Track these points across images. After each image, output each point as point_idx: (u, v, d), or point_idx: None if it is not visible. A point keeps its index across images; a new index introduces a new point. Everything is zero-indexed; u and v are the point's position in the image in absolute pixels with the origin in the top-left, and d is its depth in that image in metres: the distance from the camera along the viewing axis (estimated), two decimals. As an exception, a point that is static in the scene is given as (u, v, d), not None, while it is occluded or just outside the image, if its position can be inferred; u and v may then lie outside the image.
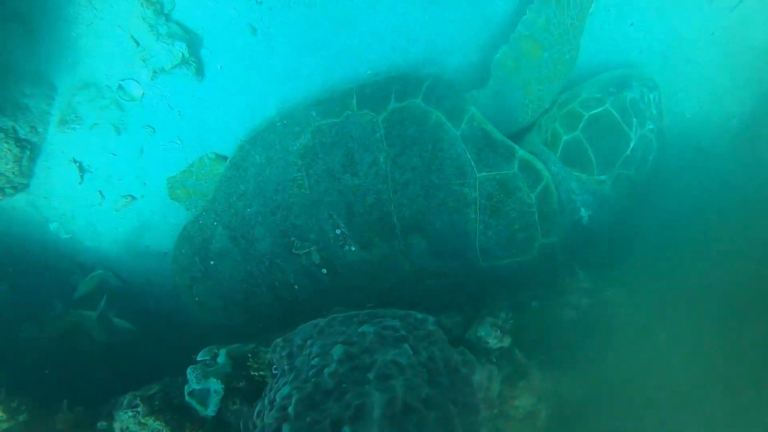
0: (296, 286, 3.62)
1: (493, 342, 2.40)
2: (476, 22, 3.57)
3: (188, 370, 2.65)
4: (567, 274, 2.73)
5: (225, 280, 3.79)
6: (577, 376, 2.44)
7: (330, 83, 3.76)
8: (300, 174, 3.43)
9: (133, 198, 4.24)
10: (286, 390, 2.06)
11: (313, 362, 2.17)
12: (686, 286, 2.73)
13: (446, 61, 3.73)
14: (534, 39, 3.30)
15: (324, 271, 3.51)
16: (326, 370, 2.05)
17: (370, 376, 1.99)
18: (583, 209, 3.37)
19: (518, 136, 3.63)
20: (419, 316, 2.46)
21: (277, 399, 2.02)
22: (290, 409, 1.91)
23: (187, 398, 2.80)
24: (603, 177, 3.28)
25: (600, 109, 3.25)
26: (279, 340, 2.61)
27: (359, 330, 2.29)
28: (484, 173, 3.14)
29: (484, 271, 3.25)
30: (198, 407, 2.78)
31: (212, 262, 3.87)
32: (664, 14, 3.66)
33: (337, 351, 2.13)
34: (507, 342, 2.43)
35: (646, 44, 3.75)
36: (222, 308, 3.91)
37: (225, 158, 3.99)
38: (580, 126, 3.26)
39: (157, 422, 2.81)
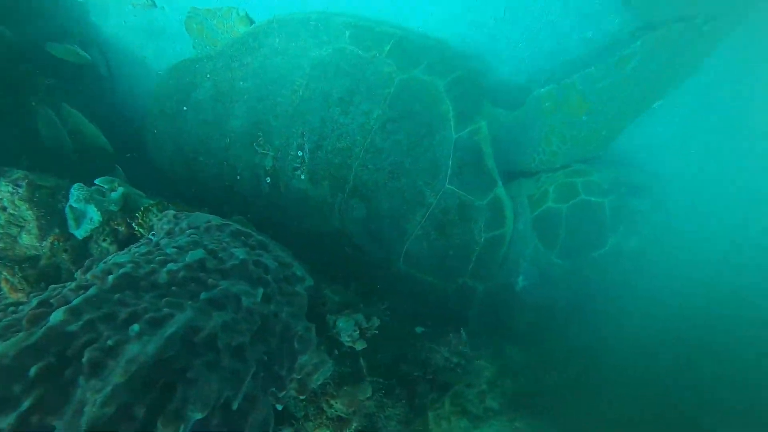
0: (239, 177, 3.52)
1: (345, 338, 2.32)
2: (545, 45, 3.29)
3: (73, 186, 2.56)
4: (455, 327, 2.63)
5: (186, 131, 3.66)
6: (399, 413, 2.38)
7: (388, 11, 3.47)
8: (301, 81, 3.25)
9: (154, 5, 4.04)
10: (124, 258, 1.98)
11: (168, 250, 2.08)
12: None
13: (497, 68, 3.47)
14: (584, 97, 3.06)
15: (268, 180, 3.40)
16: (169, 265, 1.96)
17: (203, 296, 1.90)
18: (522, 277, 3.24)
19: (513, 175, 3.44)
20: (299, 273, 2.36)
21: (110, 261, 1.94)
22: (111, 277, 1.83)
23: (66, 209, 2.73)
24: (559, 261, 3.13)
25: (596, 200, 3.06)
26: (171, 212, 2.52)
27: (233, 250, 2.19)
28: (453, 187, 2.97)
29: (398, 272, 3.15)
30: (71, 222, 2.72)
31: (185, 108, 3.74)
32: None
33: (194, 255, 2.04)
34: (359, 346, 2.35)
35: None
36: (170, 154, 3.80)
37: (251, 23, 3.78)
38: (570, 203, 3.08)
39: (29, 212, 2.75)
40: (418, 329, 2.86)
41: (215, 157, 3.56)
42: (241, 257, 2.11)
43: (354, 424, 2.44)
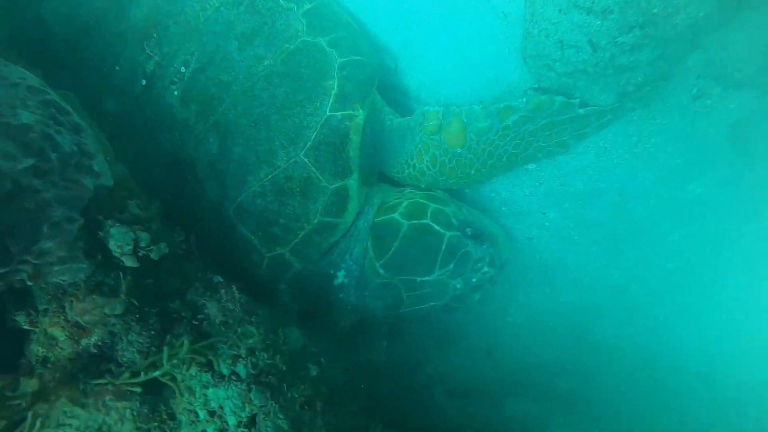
0: (117, 67, 3.34)
1: (113, 247, 2.22)
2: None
3: None
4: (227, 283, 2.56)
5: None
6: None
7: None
8: (215, 2, 3.13)
9: None
10: None
11: None
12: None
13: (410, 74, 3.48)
14: (464, 130, 3.12)
15: (143, 82, 3.24)
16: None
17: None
18: (343, 273, 3.24)
19: (386, 179, 3.47)
20: (98, 168, 2.25)
21: None
22: None
23: None
24: (382, 272, 3.16)
25: (438, 229, 3.12)
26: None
27: (22, 111, 2.06)
28: (306, 159, 2.94)
29: (228, 222, 3.08)
30: None
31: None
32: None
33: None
34: (128, 262, 2.26)
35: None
36: (63, 18, 3.54)
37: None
38: (411, 223, 3.12)
39: None
40: (216, 278, 2.78)
41: (104, 39, 3.37)
42: (24, 121, 1.98)
43: (93, 337, 2.33)
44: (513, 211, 3.54)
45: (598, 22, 2.40)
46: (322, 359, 2.85)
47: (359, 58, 3.07)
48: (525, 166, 3.36)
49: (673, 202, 3.36)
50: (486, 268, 3.22)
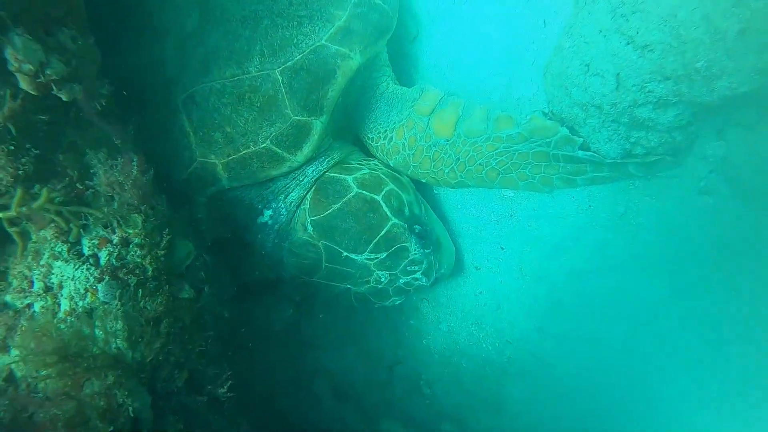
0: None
1: (11, 57, 1.87)
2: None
3: None
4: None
5: None
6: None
7: None
8: None
9: None
10: None
11: None
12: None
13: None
14: (455, 124, 2.85)
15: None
16: None
17: None
18: (270, 213, 2.93)
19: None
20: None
21: None
22: None
23: None
24: (310, 228, 2.84)
25: (385, 210, 2.82)
26: None
27: None
28: (280, 77, 2.63)
29: (171, 105, 2.75)
30: None
31: None
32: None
33: None
34: (26, 85, 1.91)
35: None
36: None
37: None
38: (360, 192, 2.83)
39: None
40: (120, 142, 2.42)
41: None
42: None
43: None
44: (471, 233, 3.24)
45: (634, 57, 2.13)
46: (205, 287, 2.52)
47: (381, 2, 2.77)
48: (501, 191, 3.07)
49: (630, 296, 3.07)
50: (419, 275, 2.92)
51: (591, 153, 2.60)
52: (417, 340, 3.66)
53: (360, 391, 3.71)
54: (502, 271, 3.27)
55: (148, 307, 2.11)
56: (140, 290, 2.11)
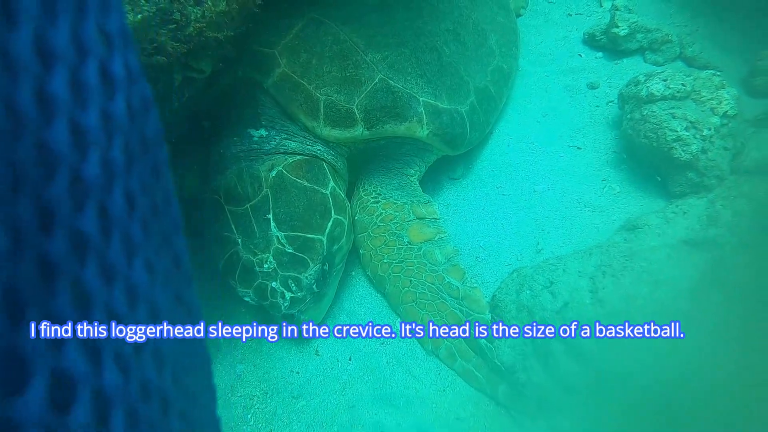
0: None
1: None
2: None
3: None
4: None
5: None
6: None
7: None
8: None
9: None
10: None
11: None
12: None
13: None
14: (436, 252, 3.11)
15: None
16: None
17: None
18: (263, 134, 2.99)
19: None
20: None
21: None
22: None
23: None
24: (270, 176, 2.88)
25: (326, 215, 2.90)
26: None
27: None
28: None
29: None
30: None
31: None
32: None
33: None
34: None
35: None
36: None
37: None
38: (324, 194, 2.95)
39: None
40: None
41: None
42: None
43: None
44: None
45: (587, 301, 2.48)
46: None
47: (471, 131, 3.29)
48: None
49: None
50: (288, 295, 2.80)
51: (489, 346, 2.77)
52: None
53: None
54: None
55: None
56: None
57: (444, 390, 2.90)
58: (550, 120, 3.83)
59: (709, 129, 2.92)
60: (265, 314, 3.24)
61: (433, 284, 3.00)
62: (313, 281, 2.82)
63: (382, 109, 3.00)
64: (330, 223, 2.90)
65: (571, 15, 4.53)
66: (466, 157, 3.67)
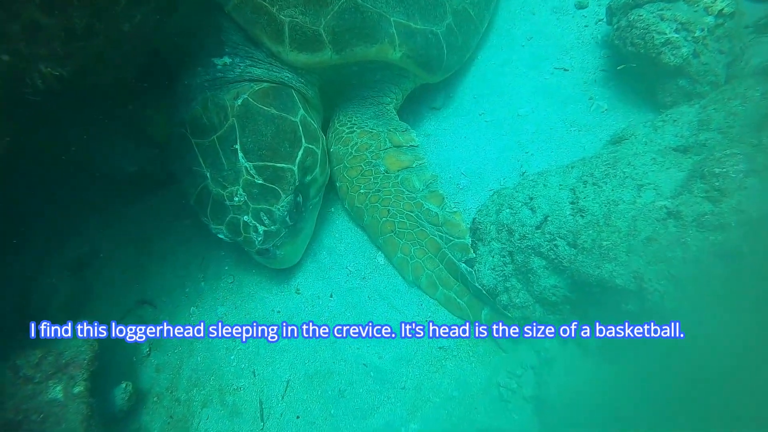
0: None
1: None
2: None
3: None
4: None
5: None
6: None
7: None
8: None
9: None
10: None
11: None
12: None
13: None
14: (412, 178, 2.99)
15: None
16: None
17: None
18: (227, 61, 2.83)
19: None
20: None
21: None
22: None
23: None
24: (235, 104, 2.74)
25: (305, 150, 2.79)
26: None
27: None
28: None
29: None
30: None
31: None
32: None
33: None
34: None
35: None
36: None
37: None
38: (293, 122, 2.80)
39: None
40: None
41: None
42: None
43: None
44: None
45: (567, 213, 2.34)
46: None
47: (450, 53, 3.12)
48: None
49: None
50: (260, 229, 2.69)
51: (470, 270, 2.65)
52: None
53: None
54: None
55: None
56: None
57: (426, 320, 2.81)
58: (536, 43, 3.62)
59: (702, 30, 2.71)
60: (243, 255, 3.16)
61: (411, 212, 2.88)
62: (285, 213, 2.71)
63: (351, 30, 2.83)
64: (300, 152, 2.77)
65: (556, -66, 4.24)
66: (447, 85, 3.50)
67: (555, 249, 2.29)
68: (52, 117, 2.66)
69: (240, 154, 2.67)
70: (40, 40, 1.99)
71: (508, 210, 2.55)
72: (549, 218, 2.36)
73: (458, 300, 2.68)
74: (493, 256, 2.57)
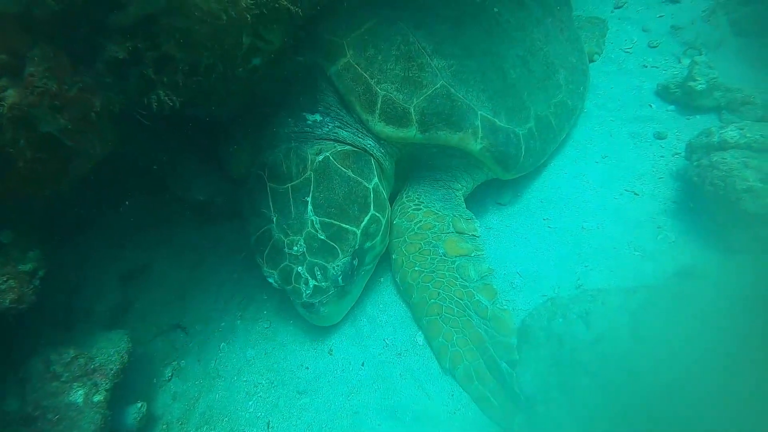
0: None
1: None
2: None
3: None
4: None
5: None
6: None
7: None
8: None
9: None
10: None
11: None
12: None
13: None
14: (469, 267, 3.01)
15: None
16: None
17: None
18: (318, 119, 3.01)
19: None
20: None
21: None
22: None
23: None
24: (316, 160, 2.88)
25: (364, 207, 2.89)
26: None
27: None
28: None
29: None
30: None
31: None
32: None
33: None
34: None
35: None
36: None
37: None
38: (367, 188, 2.93)
39: None
40: None
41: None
42: None
43: None
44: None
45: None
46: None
47: (525, 154, 3.21)
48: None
49: None
50: (311, 283, 2.74)
51: (511, 372, 2.58)
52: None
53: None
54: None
55: None
56: None
57: (454, 413, 2.70)
58: (610, 162, 3.68)
59: (787, 184, 2.70)
60: (285, 304, 3.18)
61: (461, 300, 2.86)
62: (339, 273, 2.75)
63: (439, 114, 2.97)
64: (367, 218, 2.84)
65: (646, 66, 4.42)
66: (516, 184, 3.56)
67: (606, 372, 2.21)
68: (147, 136, 2.84)
69: (309, 207, 2.76)
70: (167, 70, 2.18)
71: (561, 319, 2.50)
72: (605, 337, 2.29)
73: (492, 399, 2.59)
74: (538, 363, 2.49)
